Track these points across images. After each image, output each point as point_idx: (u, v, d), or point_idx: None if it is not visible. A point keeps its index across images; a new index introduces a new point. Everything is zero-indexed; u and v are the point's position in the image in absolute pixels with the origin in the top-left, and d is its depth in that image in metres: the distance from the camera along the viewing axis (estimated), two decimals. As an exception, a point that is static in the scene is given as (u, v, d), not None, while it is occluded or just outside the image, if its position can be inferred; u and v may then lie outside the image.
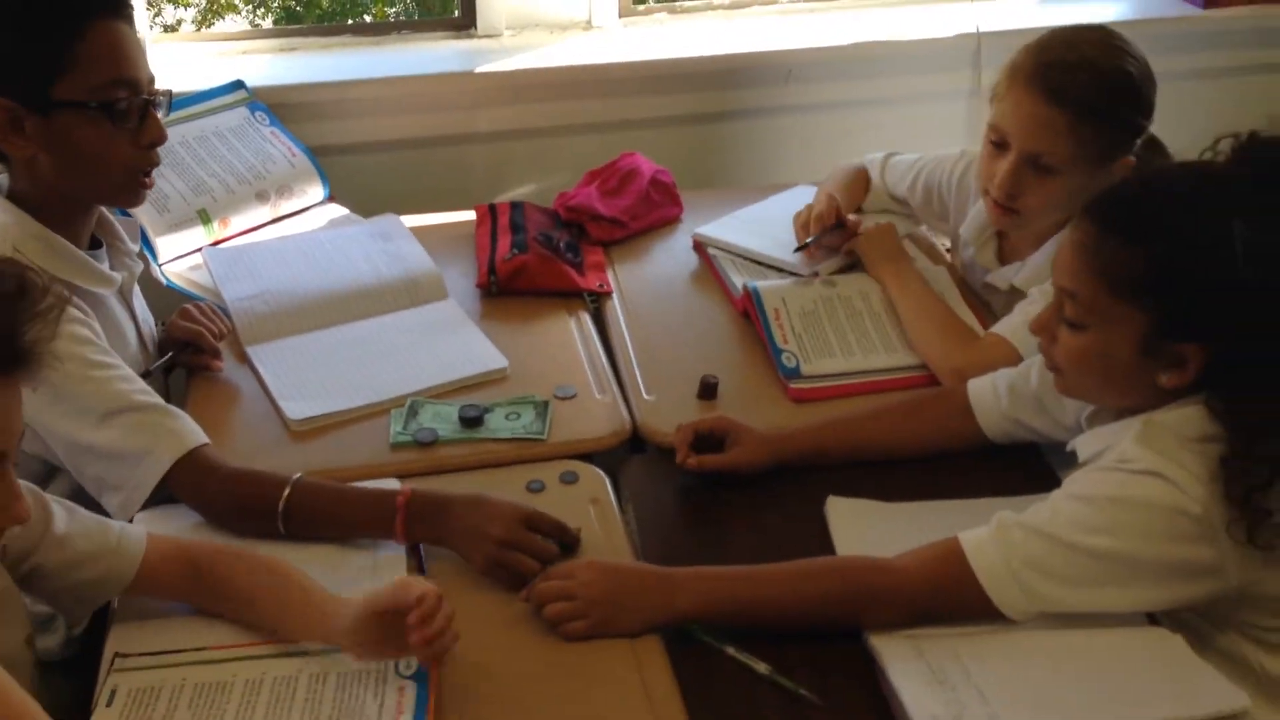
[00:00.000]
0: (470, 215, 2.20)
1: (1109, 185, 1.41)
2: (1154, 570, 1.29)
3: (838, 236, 1.98)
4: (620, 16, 2.74)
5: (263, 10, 6.62)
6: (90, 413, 1.46)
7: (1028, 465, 1.62)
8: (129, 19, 1.53)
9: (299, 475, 1.48)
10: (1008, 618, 1.32)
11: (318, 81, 2.49)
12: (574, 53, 2.63)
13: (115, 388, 1.48)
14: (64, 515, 1.32)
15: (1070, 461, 1.59)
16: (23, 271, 1.07)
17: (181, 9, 6.46)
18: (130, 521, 1.44)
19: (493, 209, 2.17)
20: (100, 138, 1.52)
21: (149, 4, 6.01)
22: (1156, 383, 1.33)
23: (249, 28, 6.39)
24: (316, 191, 2.26)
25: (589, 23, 2.72)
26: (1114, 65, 1.69)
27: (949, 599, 1.33)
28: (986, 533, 1.34)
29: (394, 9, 6.55)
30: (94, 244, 1.67)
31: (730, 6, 2.82)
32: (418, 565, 1.44)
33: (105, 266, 1.65)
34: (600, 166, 2.28)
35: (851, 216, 2.00)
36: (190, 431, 1.50)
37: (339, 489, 1.50)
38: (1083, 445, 1.43)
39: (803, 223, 2.01)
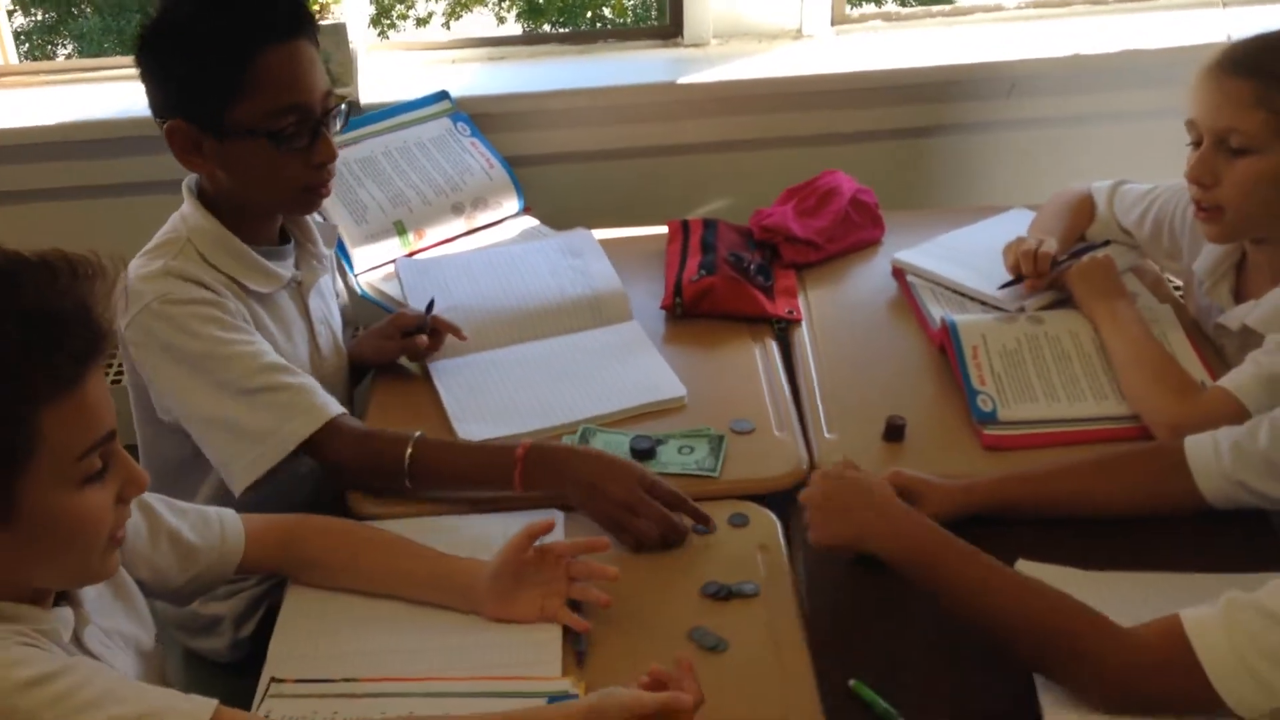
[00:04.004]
0: (664, 230, 2.15)
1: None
2: None
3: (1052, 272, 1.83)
4: (833, 24, 2.64)
5: (508, 3, 6.79)
6: (228, 387, 1.54)
7: (1253, 535, 1.45)
8: (308, 34, 1.55)
9: (419, 433, 1.56)
10: (1231, 715, 1.16)
11: (520, 92, 2.49)
12: (783, 63, 2.55)
13: (256, 363, 1.55)
14: (170, 514, 1.35)
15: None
16: (71, 255, 1.06)
17: (434, 3, 6.69)
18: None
19: (685, 225, 2.12)
20: (271, 161, 1.55)
21: (385, 7, 6.25)
22: None
23: (494, 22, 6.57)
24: (511, 204, 2.26)
25: (799, 31, 2.63)
26: None
27: (1166, 682, 1.19)
28: (1212, 613, 1.18)
29: (632, 1, 6.60)
30: (285, 239, 1.72)
31: (950, 14, 2.68)
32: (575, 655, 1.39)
33: (289, 264, 1.69)
34: (799, 184, 2.20)
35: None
36: (325, 404, 1.57)
37: (458, 444, 1.61)
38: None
39: (1014, 258, 1.86)
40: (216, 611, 1.75)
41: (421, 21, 6.67)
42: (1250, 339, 1.67)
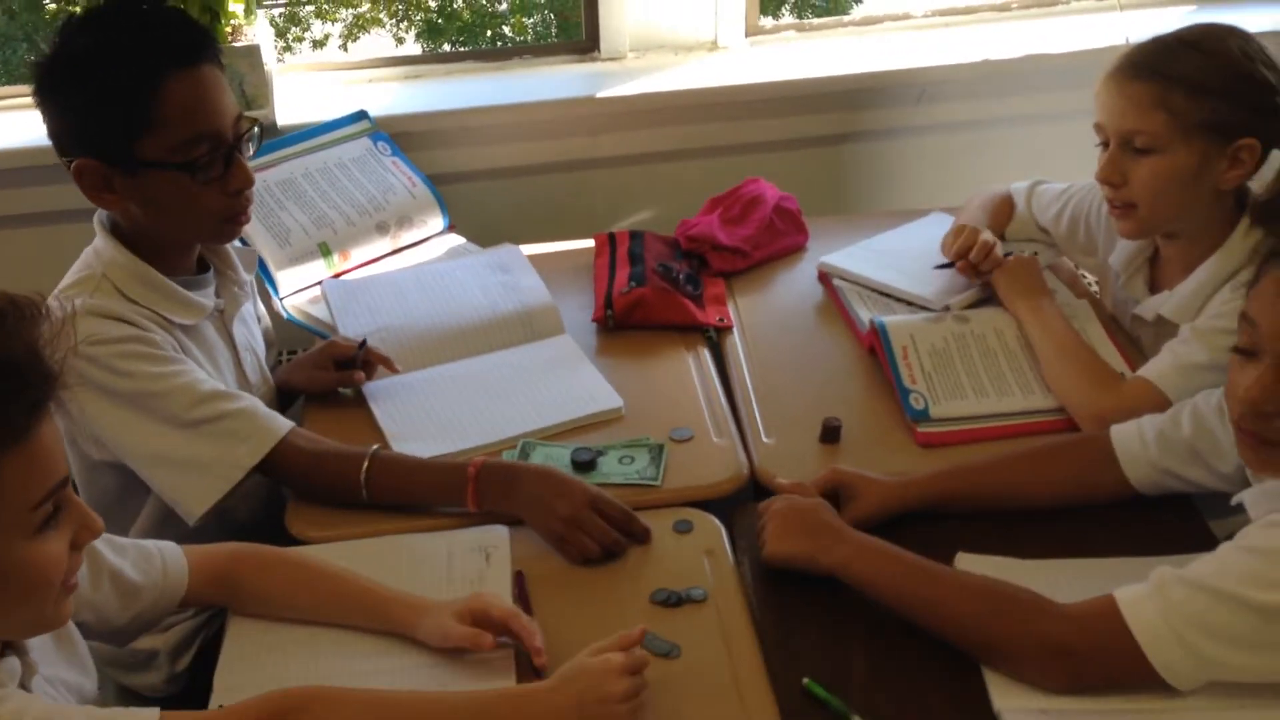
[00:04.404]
0: (590, 244, 2.16)
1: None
2: None
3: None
4: (747, 36, 2.67)
5: (406, 24, 6.73)
6: (170, 421, 1.51)
7: (1179, 519, 1.50)
8: (211, 58, 1.52)
9: (375, 447, 1.57)
10: (1169, 687, 1.21)
11: (439, 110, 2.48)
12: (699, 74, 2.57)
13: (194, 393, 1.52)
14: (111, 553, 1.32)
15: (1225, 511, 1.48)
16: (14, 296, 1.03)
17: (329, 24, 6.61)
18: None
19: (612, 238, 2.13)
20: (186, 192, 1.52)
21: (281, 29, 6.17)
22: None
23: (393, 43, 6.50)
24: (436, 222, 2.25)
25: (715, 43, 2.66)
26: (1206, 35, 1.61)
27: (1104, 659, 1.23)
28: (1144, 589, 1.23)
29: (532, 19, 6.59)
30: (204, 267, 1.68)
31: (861, 23, 2.73)
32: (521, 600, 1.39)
33: (209, 292, 1.66)
34: (723, 193, 2.22)
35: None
36: (272, 425, 1.55)
37: (414, 460, 1.60)
38: (1254, 500, 1.31)
39: (963, 244, 1.88)
40: (152, 646, 1.71)
41: (318, 44, 6.58)
42: (1165, 329, 1.73)
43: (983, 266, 1.85)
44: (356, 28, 6.71)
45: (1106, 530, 1.49)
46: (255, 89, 2.35)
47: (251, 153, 1.60)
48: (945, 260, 1.92)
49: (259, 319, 1.86)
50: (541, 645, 1.30)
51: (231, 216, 1.59)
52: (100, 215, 1.60)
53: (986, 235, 1.87)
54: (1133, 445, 1.50)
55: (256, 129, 1.60)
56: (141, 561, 1.34)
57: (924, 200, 2.48)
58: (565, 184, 2.57)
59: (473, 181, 2.51)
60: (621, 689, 1.19)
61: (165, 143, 1.49)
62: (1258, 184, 1.68)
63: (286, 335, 2.12)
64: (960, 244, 1.88)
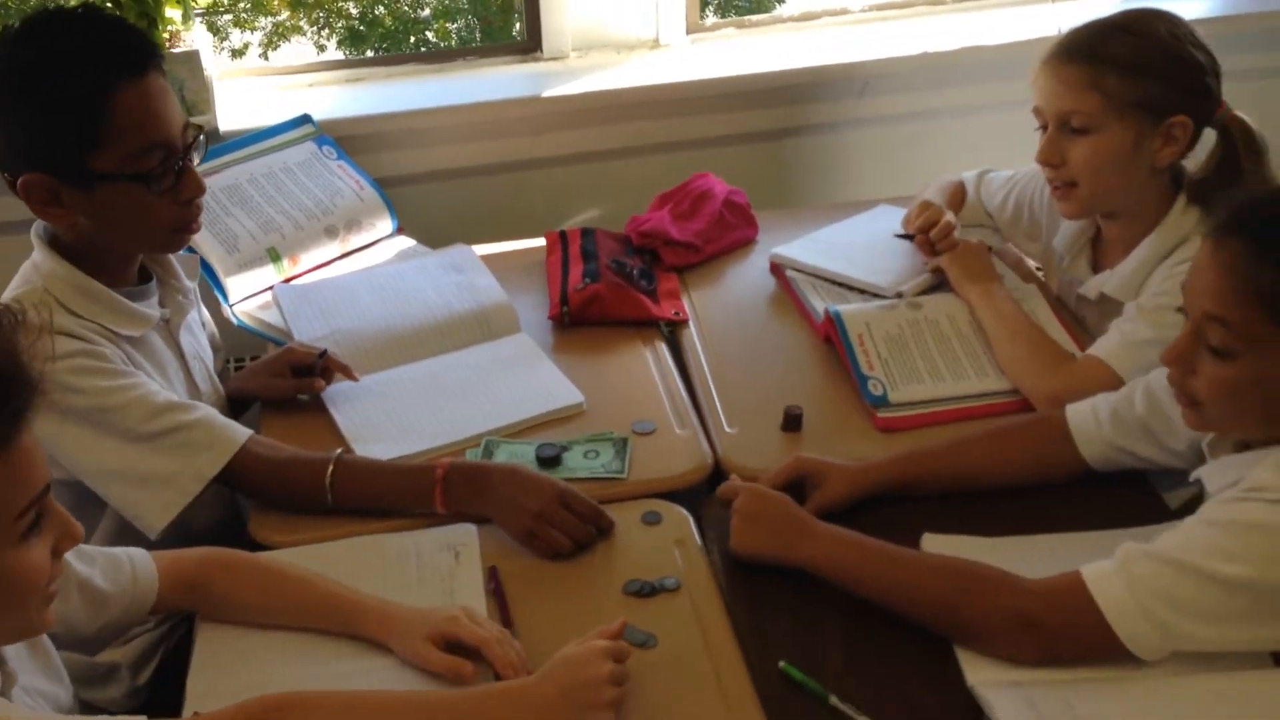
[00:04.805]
0: (541, 242, 2.16)
1: (1250, 195, 1.32)
2: None
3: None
4: (688, 33, 2.69)
5: (327, 31, 6.65)
6: (125, 435, 1.48)
7: (1135, 494, 1.54)
8: (157, 67, 1.50)
9: (339, 451, 1.56)
10: (1136, 658, 1.24)
11: (383, 112, 2.46)
12: (642, 73, 2.58)
13: (148, 406, 1.50)
14: (79, 563, 1.30)
15: (1177, 484, 1.52)
16: None
17: (249, 33, 6.51)
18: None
19: (563, 236, 2.13)
20: (139, 203, 1.50)
21: (213, 30, 6.08)
22: None
23: (314, 50, 6.43)
24: (385, 224, 2.23)
25: (656, 41, 2.67)
26: (1136, 19, 1.67)
27: (1072, 633, 1.26)
28: (1110, 565, 1.26)
29: (455, 24, 6.55)
30: (146, 277, 1.65)
31: (800, 19, 2.75)
32: (497, 595, 1.39)
33: (153, 302, 1.64)
34: (672, 189, 2.23)
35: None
36: (230, 434, 1.53)
37: (377, 464, 1.58)
38: (1211, 475, 1.34)
39: (928, 220, 1.92)
40: (112, 659, 1.68)
41: (237, 53, 6.48)
42: (1108, 307, 1.77)
43: (939, 246, 1.89)
44: (276, 36, 6.62)
45: (1065, 506, 1.52)
46: (196, 95, 2.32)
47: (199, 161, 1.57)
48: (905, 232, 1.96)
49: (204, 324, 1.84)
50: (516, 661, 1.29)
51: (183, 225, 1.57)
52: (38, 227, 1.57)
53: (950, 216, 1.92)
54: (1087, 424, 1.53)
55: (203, 136, 1.57)
56: (110, 570, 1.33)
57: (868, 191, 2.51)
58: (512, 184, 2.57)
59: (419, 184, 2.50)
60: (606, 671, 1.20)
61: (118, 154, 1.46)
62: (1193, 164, 1.73)
63: (236, 342, 2.10)
64: (924, 220, 1.91)
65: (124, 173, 1.47)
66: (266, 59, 6.41)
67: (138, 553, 1.37)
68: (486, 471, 1.53)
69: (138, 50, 1.48)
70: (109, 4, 2.21)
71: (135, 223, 1.53)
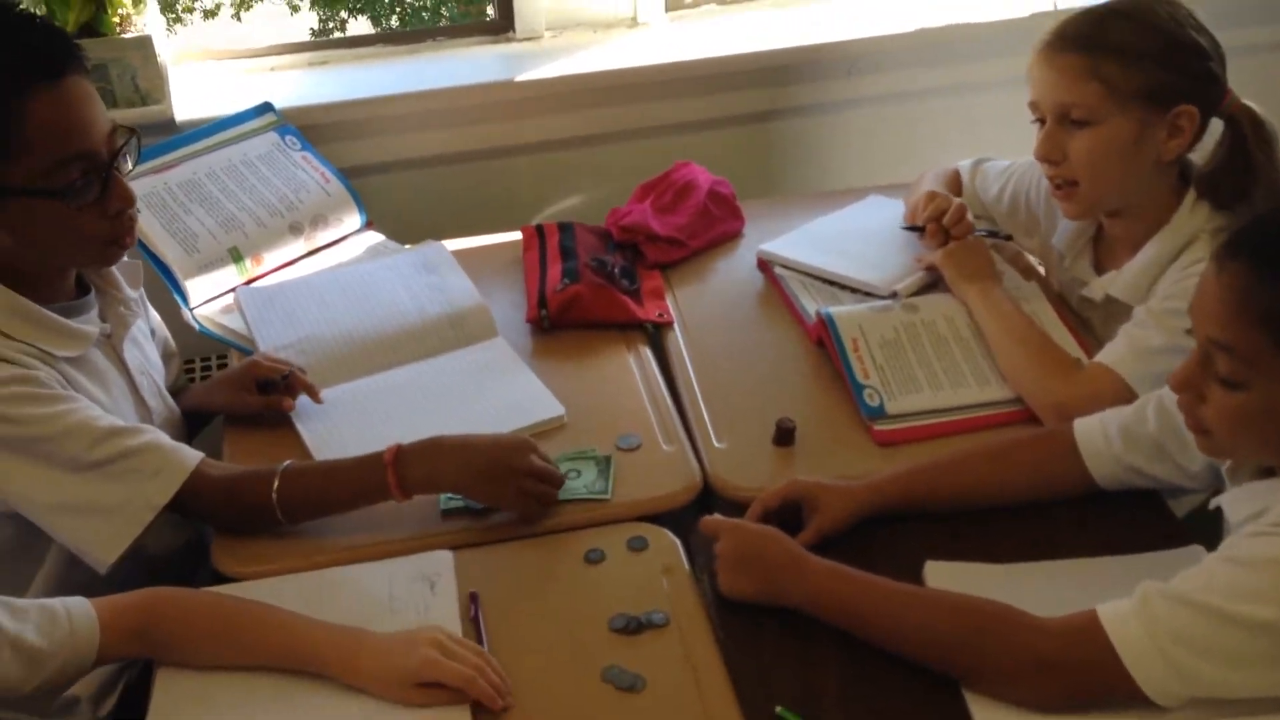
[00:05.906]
0: (517, 236, 2.06)
1: (1254, 217, 1.23)
2: None
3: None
4: (667, 11, 2.58)
5: (301, -9, 6.49)
6: (67, 466, 1.39)
7: (1147, 514, 1.46)
8: (77, 68, 1.38)
9: (288, 463, 1.47)
10: (1155, 704, 1.16)
11: (349, 99, 2.34)
12: (620, 54, 2.47)
13: (90, 433, 1.40)
14: (10, 620, 1.20)
15: (1186, 490, 1.44)
16: None
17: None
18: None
19: (540, 230, 2.03)
20: (61, 219, 1.39)
21: (168, 1, 5.91)
22: None
23: (287, 11, 6.27)
24: (353, 219, 2.13)
25: (634, 19, 2.56)
26: (1134, 3, 1.58)
27: (1088, 675, 1.18)
28: (1128, 605, 1.18)
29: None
30: (85, 288, 1.55)
31: (784, -5, 2.65)
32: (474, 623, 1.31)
33: (93, 316, 1.54)
34: (653, 179, 2.13)
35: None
36: (179, 459, 1.45)
37: (326, 464, 1.52)
38: (1232, 504, 1.27)
39: (936, 209, 1.82)
40: (72, 692, 1.60)
41: (209, 14, 6.33)
42: (1114, 309, 1.69)
43: (955, 231, 1.79)
44: (248, -3, 6.46)
45: (1075, 528, 1.45)
46: (149, 83, 2.20)
47: (131, 166, 1.47)
48: (913, 225, 1.86)
49: (153, 333, 1.73)
50: (499, 687, 1.24)
51: (114, 239, 1.46)
52: None
53: (960, 201, 1.83)
54: (1096, 441, 1.46)
55: (135, 138, 1.46)
56: (46, 624, 1.23)
57: (859, 176, 2.42)
58: (486, 172, 2.46)
59: (388, 174, 2.39)
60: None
61: (32, 168, 1.35)
62: (1200, 157, 1.65)
63: (200, 345, 2.00)
64: (934, 208, 1.82)
65: (39, 188, 1.36)
66: (239, 19, 6.28)
67: (76, 603, 1.27)
68: (438, 444, 1.46)
69: (53, 51, 1.37)
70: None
71: (58, 239, 1.42)
